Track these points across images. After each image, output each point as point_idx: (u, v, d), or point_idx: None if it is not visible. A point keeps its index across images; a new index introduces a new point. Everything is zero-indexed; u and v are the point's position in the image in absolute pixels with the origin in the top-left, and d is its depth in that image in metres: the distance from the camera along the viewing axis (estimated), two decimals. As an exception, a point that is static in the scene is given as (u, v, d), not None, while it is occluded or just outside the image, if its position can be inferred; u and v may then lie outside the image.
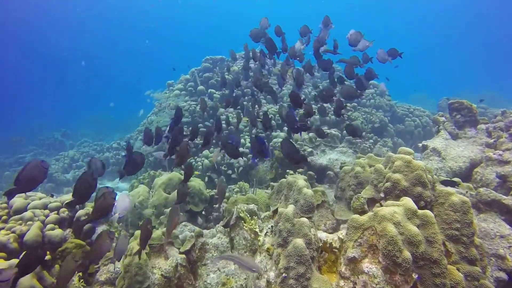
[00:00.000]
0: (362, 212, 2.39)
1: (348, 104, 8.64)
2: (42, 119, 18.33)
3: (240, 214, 2.60)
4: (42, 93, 31.51)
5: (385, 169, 2.65)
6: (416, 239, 1.51)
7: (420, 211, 1.62)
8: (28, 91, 33.86)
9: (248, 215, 2.58)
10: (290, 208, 1.86)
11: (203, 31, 43.58)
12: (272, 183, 5.62)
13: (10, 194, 1.72)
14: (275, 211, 2.48)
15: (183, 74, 9.00)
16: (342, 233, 1.82)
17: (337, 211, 2.88)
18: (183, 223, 4.05)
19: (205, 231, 4.11)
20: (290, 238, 1.78)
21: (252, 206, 2.95)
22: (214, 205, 5.02)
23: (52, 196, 3.26)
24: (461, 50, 38.72)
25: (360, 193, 2.86)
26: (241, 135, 6.58)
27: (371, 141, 7.27)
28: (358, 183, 2.84)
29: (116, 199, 2.02)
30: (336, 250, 1.84)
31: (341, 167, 5.20)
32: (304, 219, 1.80)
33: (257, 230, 2.47)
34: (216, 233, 3.38)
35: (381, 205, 2.07)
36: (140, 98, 10.73)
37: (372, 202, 2.55)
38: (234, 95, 5.49)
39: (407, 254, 1.46)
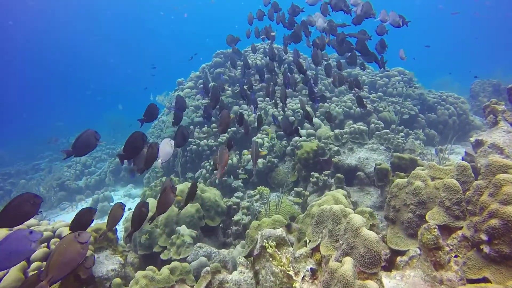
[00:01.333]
0: (436, 248, 1.74)
1: (374, 94, 7.86)
2: (57, 126, 18.43)
3: (268, 250, 1.99)
4: (58, 100, 32.07)
5: (457, 183, 1.98)
6: None
7: None
8: (43, 98, 34.54)
9: (278, 252, 1.98)
10: (348, 266, 1.23)
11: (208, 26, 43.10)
12: (296, 189, 4.99)
13: (68, 155, 2.00)
14: (315, 249, 1.86)
15: (193, 71, 8.47)
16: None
17: (391, 238, 2.23)
18: (198, 244, 3.50)
19: (223, 252, 3.55)
20: (352, 314, 1.16)
21: (279, 231, 2.34)
22: (232, 218, 4.45)
23: (41, 213, 2.82)
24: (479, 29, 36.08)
25: (423, 214, 2.20)
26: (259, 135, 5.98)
27: (402, 134, 6.50)
28: (419, 202, 2.17)
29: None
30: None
31: (375, 169, 4.48)
32: (372, 284, 1.17)
33: (291, 272, 1.87)
34: (236, 258, 2.81)
35: (482, 250, 1.40)
36: (149, 98, 10.32)
37: (445, 231, 1.89)
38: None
39: None
